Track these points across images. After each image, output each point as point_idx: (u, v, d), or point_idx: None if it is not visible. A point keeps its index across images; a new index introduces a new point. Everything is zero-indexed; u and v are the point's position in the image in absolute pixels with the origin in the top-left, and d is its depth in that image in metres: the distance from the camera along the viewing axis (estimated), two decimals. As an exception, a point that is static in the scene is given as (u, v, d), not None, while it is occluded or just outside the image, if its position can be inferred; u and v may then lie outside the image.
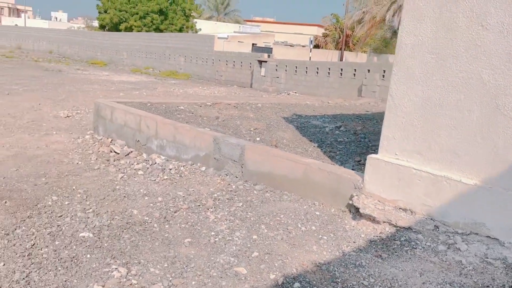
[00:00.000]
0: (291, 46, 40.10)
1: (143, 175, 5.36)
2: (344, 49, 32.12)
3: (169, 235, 3.74)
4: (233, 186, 4.85)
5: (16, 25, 56.96)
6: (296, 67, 19.97)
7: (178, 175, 5.34)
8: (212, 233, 3.73)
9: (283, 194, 4.52)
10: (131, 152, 6.59)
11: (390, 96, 3.86)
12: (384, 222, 3.74)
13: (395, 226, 3.71)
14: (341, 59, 31.00)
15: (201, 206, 4.38)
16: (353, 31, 34.84)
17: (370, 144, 6.08)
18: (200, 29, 41.57)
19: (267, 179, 4.80)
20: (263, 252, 3.40)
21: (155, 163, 5.79)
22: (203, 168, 5.53)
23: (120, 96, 14.31)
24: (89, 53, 33.98)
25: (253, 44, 36.29)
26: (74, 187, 4.94)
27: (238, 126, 6.98)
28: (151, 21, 37.47)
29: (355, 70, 17.44)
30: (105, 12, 38.86)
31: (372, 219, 3.79)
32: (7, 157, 6.03)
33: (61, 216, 4.13)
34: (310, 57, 29.56)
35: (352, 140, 6.30)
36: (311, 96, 18.33)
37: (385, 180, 3.84)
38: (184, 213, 4.24)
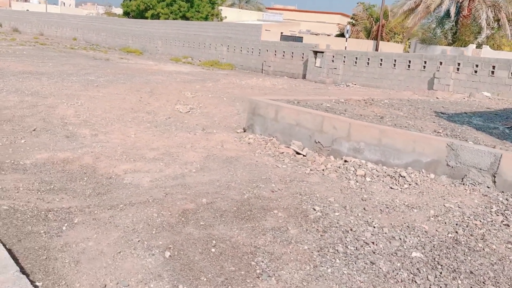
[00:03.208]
0: (316, 35, 39.42)
1: (376, 182, 4.96)
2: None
3: (517, 260, 3.36)
4: (501, 200, 4.46)
5: (27, 10, 55.60)
6: (356, 58, 19.46)
7: (414, 183, 4.94)
8: None
9: None
10: (314, 154, 6.18)
11: None
12: None
13: None
14: (376, 49, 30.47)
15: (495, 223, 3.99)
16: (387, 21, 34.24)
17: None
18: (226, 17, 40.84)
19: (540, 191, 4.41)
20: None
21: (370, 168, 5.37)
22: (432, 176, 5.13)
23: (197, 89, 13.77)
24: (119, 41, 33.19)
25: (281, 33, 35.66)
26: (317, 195, 4.54)
27: (415, 127, 6.56)
28: (178, 9, 36.73)
29: (425, 62, 16.97)
30: (131, -2, 38.02)
31: None
32: (204, 159, 5.60)
33: (355, 231, 3.74)
34: (345, 47, 28.99)
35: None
36: (374, 89, 17.85)
37: None
38: (484, 230, 3.86)
